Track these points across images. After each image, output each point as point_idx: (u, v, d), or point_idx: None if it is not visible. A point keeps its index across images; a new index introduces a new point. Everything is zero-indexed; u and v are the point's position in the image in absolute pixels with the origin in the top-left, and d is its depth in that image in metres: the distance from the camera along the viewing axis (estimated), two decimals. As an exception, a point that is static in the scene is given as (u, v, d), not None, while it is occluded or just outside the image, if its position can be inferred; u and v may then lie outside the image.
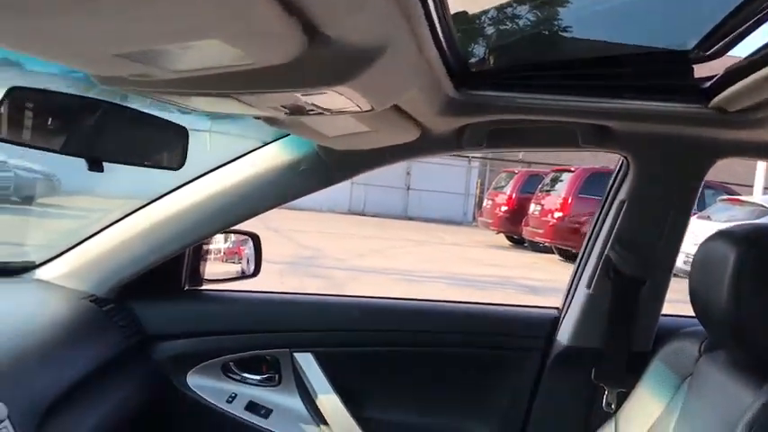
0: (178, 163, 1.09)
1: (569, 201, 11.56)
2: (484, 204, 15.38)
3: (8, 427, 1.10)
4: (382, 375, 1.78)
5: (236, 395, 1.76)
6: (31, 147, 0.91)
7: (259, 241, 2.04)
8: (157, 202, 1.69)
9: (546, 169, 14.65)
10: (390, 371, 1.78)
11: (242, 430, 1.72)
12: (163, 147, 1.11)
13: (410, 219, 18.59)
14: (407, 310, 1.83)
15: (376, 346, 1.77)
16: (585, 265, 1.72)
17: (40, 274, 1.70)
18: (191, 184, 1.68)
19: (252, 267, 2.06)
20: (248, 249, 2.11)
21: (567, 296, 1.77)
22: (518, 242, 14.14)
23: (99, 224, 1.74)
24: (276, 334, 1.78)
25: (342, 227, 14.14)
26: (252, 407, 1.76)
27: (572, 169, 12.14)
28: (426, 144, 1.48)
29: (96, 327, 1.58)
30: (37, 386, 1.26)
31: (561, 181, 12.17)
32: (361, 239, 12.62)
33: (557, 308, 1.81)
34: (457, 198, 19.54)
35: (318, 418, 1.75)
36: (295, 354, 1.77)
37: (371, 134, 1.32)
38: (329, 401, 1.74)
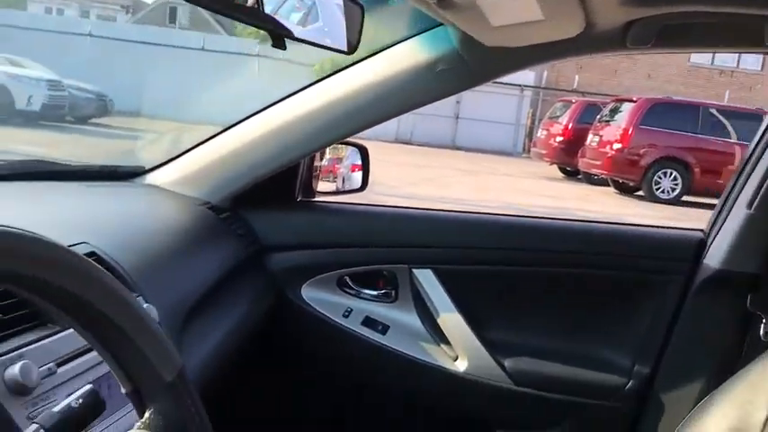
0: (351, 46, 0.97)
1: (630, 132, 11.23)
2: (538, 135, 15.06)
3: None
4: (508, 296, 1.69)
5: (351, 310, 1.69)
6: (214, 10, 0.80)
7: (367, 153, 1.94)
8: (274, 107, 1.58)
9: (604, 99, 14.23)
10: (517, 292, 1.68)
11: (360, 345, 1.65)
12: (338, 26, 0.99)
13: (458, 149, 18.35)
14: (536, 227, 1.71)
15: (501, 265, 1.67)
16: (745, 183, 1.57)
17: (151, 179, 1.62)
18: (310, 89, 1.57)
19: (353, 183, 1.96)
20: (343, 168, 2.01)
21: (717, 217, 1.63)
22: (571, 174, 13.88)
23: (210, 130, 1.65)
24: (394, 249, 1.69)
25: (391, 155, 13.98)
26: (369, 322, 1.68)
27: (634, 99, 11.74)
28: (586, 41, 1.33)
29: (217, 234, 1.51)
30: (178, 290, 1.20)
31: (621, 111, 11.80)
32: (412, 168, 12.50)
33: (701, 230, 1.67)
34: (507, 128, 19.19)
35: (438, 336, 1.67)
36: (414, 270, 1.68)
37: (533, 27, 1.19)
38: (451, 320, 1.65)
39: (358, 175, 1.99)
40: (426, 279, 1.67)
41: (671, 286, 1.62)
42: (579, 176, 13.43)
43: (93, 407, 0.68)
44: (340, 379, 1.71)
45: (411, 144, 18.00)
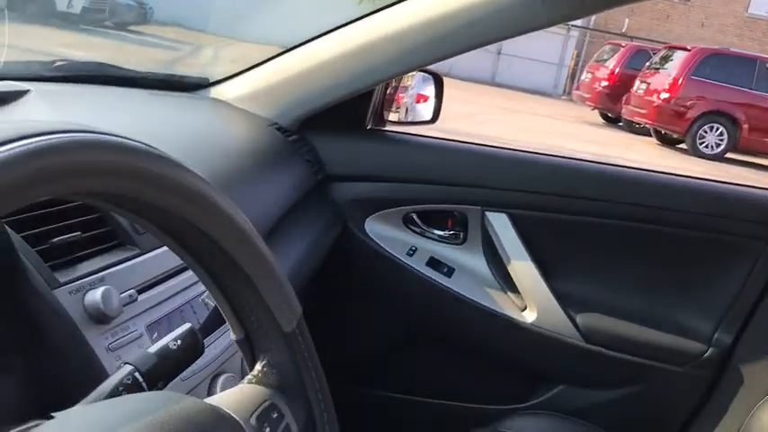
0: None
1: (680, 82, 10.83)
2: (582, 77, 14.62)
3: None
4: (585, 249, 1.58)
5: (416, 249, 1.60)
6: None
7: (442, 83, 1.81)
8: (351, 26, 1.45)
9: (655, 45, 13.75)
10: (596, 245, 1.58)
11: (423, 285, 1.57)
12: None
13: (498, 85, 17.94)
14: (624, 178, 1.59)
15: (582, 215, 1.55)
16: None
17: (216, 92, 1.52)
18: (393, 8, 1.43)
19: (416, 115, 1.85)
20: (407, 98, 1.89)
21: None
22: (612, 121, 13.54)
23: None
24: (466, 188, 1.58)
25: (430, 87, 13.70)
26: (433, 263, 1.60)
27: (688, 48, 11.29)
28: None
29: (286, 158, 1.41)
30: (253, 217, 1.11)
31: (672, 60, 11.37)
32: (451, 102, 12.17)
33: None
34: (549, 68, 18.69)
35: (506, 284, 1.58)
36: (487, 212, 1.58)
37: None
38: (522, 268, 1.56)
39: (423, 107, 1.88)
40: (499, 223, 1.57)
41: (767, 252, 1.50)
42: (620, 123, 13.09)
43: (192, 349, 0.61)
44: (400, 318, 1.64)
45: (449, 77, 17.57)
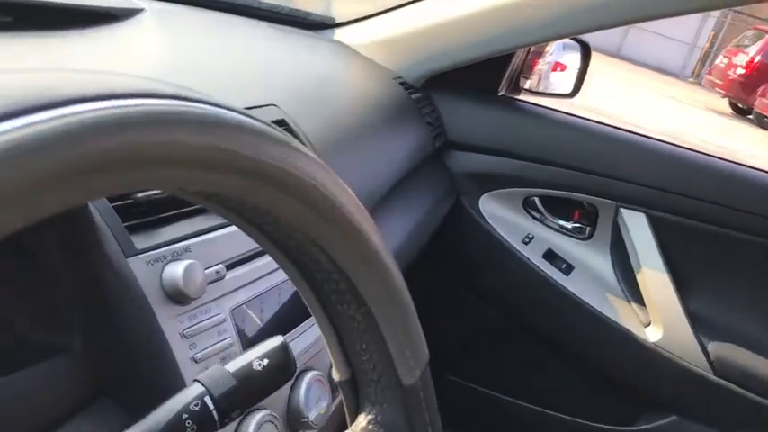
0: None
1: (828, 81, 9.91)
2: (717, 62, 13.64)
3: None
4: (734, 269, 1.37)
5: (533, 237, 1.43)
6: None
7: (589, 53, 1.61)
8: None
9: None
10: (746, 267, 1.36)
11: (536, 279, 1.41)
12: None
13: (622, 58, 17.05)
14: None
15: (736, 231, 1.34)
16: None
17: (340, 35, 1.38)
18: None
19: (550, 85, 1.65)
20: (544, 65, 1.69)
21: None
22: (742, 112, 12.63)
23: None
24: (603, 179, 1.39)
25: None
26: (551, 256, 1.43)
27: None
28: None
29: (409, 117, 1.26)
30: (368, 176, 0.99)
31: (823, 55, 10.40)
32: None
33: None
34: (680, 47, 17.59)
35: (632, 293, 1.40)
36: (622, 209, 1.39)
37: None
38: (654, 278, 1.37)
39: (557, 77, 1.68)
40: (635, 223, 1.38)
41: None
42: (750, 116, 12.19)
43: (281, 372, 0.47)
44: (504, 310, 1.49)
45: (573, 43, 16.85)
